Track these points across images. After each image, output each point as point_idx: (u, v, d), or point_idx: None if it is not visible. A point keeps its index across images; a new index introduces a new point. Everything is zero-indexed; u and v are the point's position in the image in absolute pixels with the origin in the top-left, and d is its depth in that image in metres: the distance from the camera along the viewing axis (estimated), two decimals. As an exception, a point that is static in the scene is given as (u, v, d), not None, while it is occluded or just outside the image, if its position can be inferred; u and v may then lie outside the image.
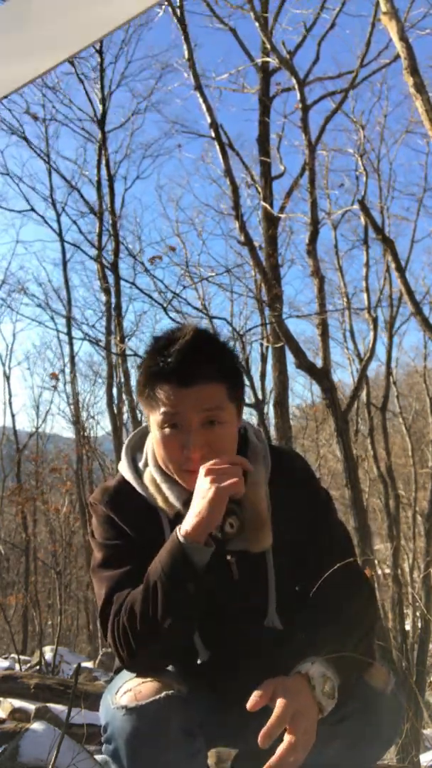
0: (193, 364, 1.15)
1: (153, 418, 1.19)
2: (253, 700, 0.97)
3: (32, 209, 11.44)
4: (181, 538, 1.07)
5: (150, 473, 1.24)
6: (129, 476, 1.26)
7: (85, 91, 11.14)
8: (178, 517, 1.17)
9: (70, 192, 12.00)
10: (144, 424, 1.36)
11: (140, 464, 1.28)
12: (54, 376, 12.58)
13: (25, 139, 11.14)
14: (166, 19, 6.54)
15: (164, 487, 1.21)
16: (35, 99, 11.73)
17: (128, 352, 9.24)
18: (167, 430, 1.16)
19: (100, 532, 1.23)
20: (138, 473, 1.26)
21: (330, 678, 1.02)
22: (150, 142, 14.42)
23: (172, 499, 1.20)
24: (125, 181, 14.00)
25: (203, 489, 1.08)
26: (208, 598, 1.15)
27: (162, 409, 1.15)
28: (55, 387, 12.98)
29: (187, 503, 1.15)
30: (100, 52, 10.96)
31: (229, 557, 1.20)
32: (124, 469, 1.28)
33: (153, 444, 1.22)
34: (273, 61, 6.72)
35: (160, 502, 1.21)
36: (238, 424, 1.24)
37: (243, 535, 1.18)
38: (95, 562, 1.22)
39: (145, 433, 1.32)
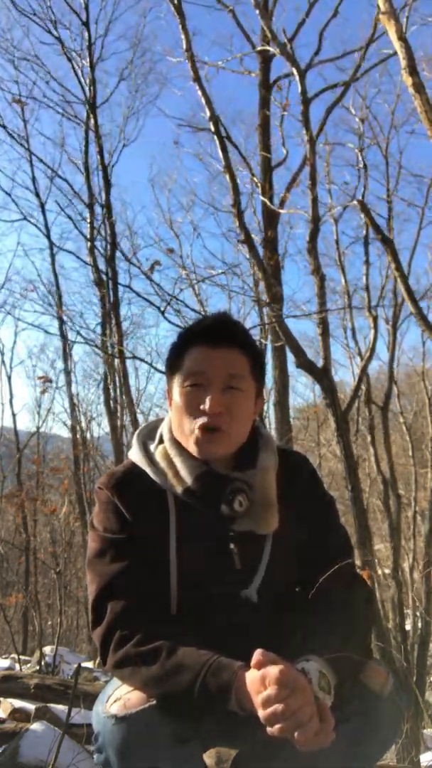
0: (223, 328, 1.28)
1: (177, 380, 1.25)
2: (256, 657, 0.96)
3: (24, 218, 10.83)
4: (235, 703, 1.00)
5: (163, 449, 1.27)
6: (138, 457, 1.28)
7: (74, 70, 10.26)
8: (186, 494, 1.20)
9: (52, 178, 11.05)
10: (150, 420, 1.40)
11: (151, 448, 1.30)
12: (43, 379, 12.41)
13: (3, 126, 10.56)
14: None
15: (177, 460, 1.23)
16: (9, 76, 11.12)
17: (126, 353, 9.20)
18: (189, 388, 1.23)
19: (100, 520, 1.23)
20: (148, 455, 1.28)
21: (326, 675, 1.02)
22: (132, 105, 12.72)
23: (183, 472, 1.22)
24: (110, 156, 11.30)
25: (274, 718, 0.94)
26: (209, 587, 1.17)
27: (189, 367, 1.23)
28: (44, 390, 12.86)
29: (198, 478, 1.19)
30: (86, 24, 10.07)
31: (232, 546, 1.20)
32: (133, 453, 1.30)
33: (171, 412, 1.27)
34: (273, 50, 6.61)
35: (170, 476, 1.23)
36: (256, 411, 1.30)
37: (251, 514, 1.20)
38: (91, 552, 1.21)
39: (156, 425, 1.35)
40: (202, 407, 1.21)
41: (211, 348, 1.24)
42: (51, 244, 11.35)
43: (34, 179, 11.29)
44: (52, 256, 11.46)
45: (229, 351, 1.24)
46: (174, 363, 1.28)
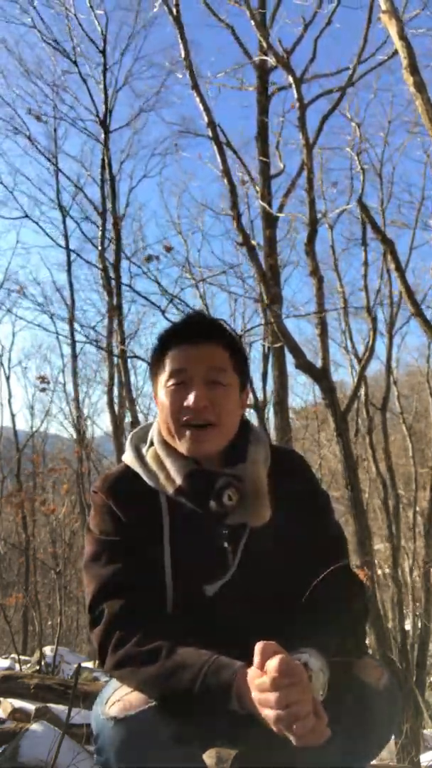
0: (201, 326, 1.30)
1: (161, 380, 1.27)
2: (258, 648, 0.96)
3: (26, 215, 11.26)
4: (235, 702, 1.00)
5: (153, 451, 1.28)
6: (131, 459, 1.29)
7: (88, 92, 10.91)
8: (178, 494, 1.20)
9: (75, 194, 11.92)
10: (146, 422, 1.41)
11: (143, 450, 1.31)
12: (41, 379, 12.54)
13: (30, 138, 11.16)
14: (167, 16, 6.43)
15: (167, 461, 1.24)
16: (41, 98, 11.59)
17: (128, 353, 9.25)
18: (172, 387, 1.24)
19: (96, 523, 1.24)
20: (141, 458, 1.29)
21: (324, 673, 1.02)
22: (159, 141, 14.21)
23: (173, 473, 1.22)
24: (131, 180, 13.40)
25: (276, 716, 0.93)
26: (205, 587, 1.17)
27: (170, 367, 1.24)
28: (44, 390, 12.98)
29: (187, 477, 1.20)
30: (103, 52, 10.81)
31: (226, 544, 1.21)
32: (126, 456, 1.31)
33: (158, 413, 1.28)
34: (270, 60, 6.68)
35: (161, 478, 1.23)
36: (243, 404, 1.31)
37: (243, 507, 1.21)
38: (87, 555, 1.23)
39: (148, 429, 1.36)
40: (186, 404, 1.21)
41: (190, 346, 1.25)
42: (67, 243, 12.05)
43: (58, 192, 12.01)
44: (69, 264, 12.20)
45: (209, 347, 1.26)
46: (156, 365, 1.29)
